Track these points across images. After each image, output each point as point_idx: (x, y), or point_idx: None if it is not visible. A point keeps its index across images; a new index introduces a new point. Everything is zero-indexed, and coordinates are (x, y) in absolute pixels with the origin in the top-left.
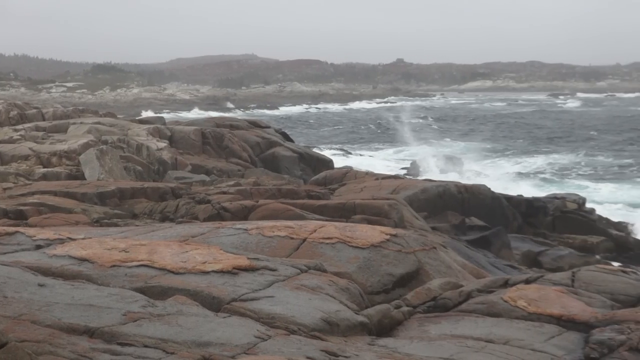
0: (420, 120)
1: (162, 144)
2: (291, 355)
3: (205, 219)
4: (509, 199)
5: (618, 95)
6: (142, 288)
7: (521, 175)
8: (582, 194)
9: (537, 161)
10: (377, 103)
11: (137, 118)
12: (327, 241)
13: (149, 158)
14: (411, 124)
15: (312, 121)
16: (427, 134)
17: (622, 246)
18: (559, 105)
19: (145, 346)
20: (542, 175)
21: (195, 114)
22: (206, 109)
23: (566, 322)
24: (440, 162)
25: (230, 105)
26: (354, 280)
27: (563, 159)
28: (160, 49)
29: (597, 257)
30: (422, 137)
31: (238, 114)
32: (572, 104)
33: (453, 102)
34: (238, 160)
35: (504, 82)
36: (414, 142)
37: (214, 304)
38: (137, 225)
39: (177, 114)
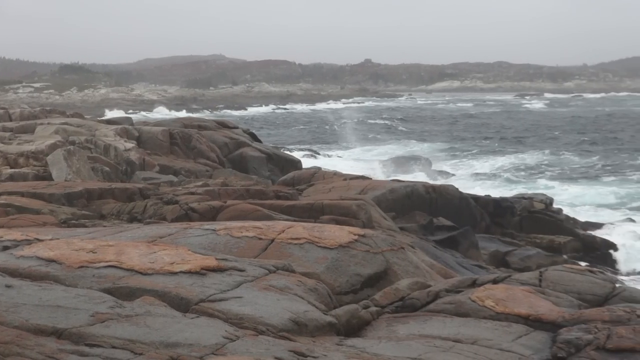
0: (387, 122)
1: (130, 145)
2: (259, 356)
3: (173, 219)
4: (476, 199)
5: (585, 95)
6: (110, 289)
7: (488, 175)
8: (549, 194)
9: (504, 161)
10: (344, 103)
11: (100, 118)
12: (296, 242)
13: (117, 159)
14: (377, 125)
15: (280, 122)
16: (393, 135)
17: (589, 246)
18: (524, 105)
19: (113, 347)
20: (509, 175)
21: (163, 114)
22: (175, 110)
23: (534, 322)
24: (388, 166)
25: (194, 106)
26: (322, 281)
27: (529, 159)
28: (128, 50)
29: (565, 256)
30: (388, 139)
31: (206, 115)
32: (537, 104)
33: (420, 102)
34: (206, 161)
35: (471, 83)
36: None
37: (182, 305)
38: (104, 226)
39: (144, 114)
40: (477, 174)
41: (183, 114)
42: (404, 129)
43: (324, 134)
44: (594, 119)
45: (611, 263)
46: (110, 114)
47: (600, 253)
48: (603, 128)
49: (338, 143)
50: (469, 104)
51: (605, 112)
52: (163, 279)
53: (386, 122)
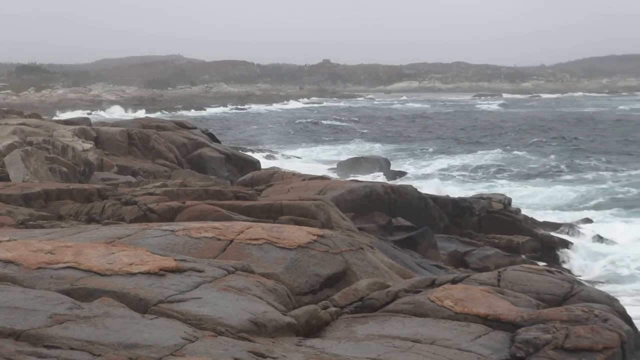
0: (344, 124)
1: (88, 145)
2: (218, 357)
3: (132, 220)
4: (435, 199)
5: (542, 96)
6: (68, 290)
7: (446, 175)
8: (507, 193)
9: (460, 161)
10: (305, 104)
11: (54, 118)
12: (254, 242)
13: (75, 159)
14: (333, 125)
15: (238, 122)
16: (349, 135)
17: (547, 246)
18: (479, 106)
19: (72, 348)
20: (466, 175)
21: (120, 114)
22: (132, 110)
23: (492, 322)
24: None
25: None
26: (282, 281)
27: (485, 159)
28: (85, 50)
29: (523, 256)
30: (344, 139)
31: (165, 115)
32: (492, 105)
33: (376, 102)
34: (164, 161)
35: (430, 83)
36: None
37: (141, 306)
38: (63, 227)
39: (102, 114)
40: (434, 174)
41: (141, 114)
42: (360, 129)
43: (282, 135)
44: (548, 120)
45: (569, 263)
46: (63, 115)
47: (558, 253)
48: (558, 128)
49: (296, 144)
50: (426, 105)
51: (560, 113)
52: (121, 280)
53: (343, 123)
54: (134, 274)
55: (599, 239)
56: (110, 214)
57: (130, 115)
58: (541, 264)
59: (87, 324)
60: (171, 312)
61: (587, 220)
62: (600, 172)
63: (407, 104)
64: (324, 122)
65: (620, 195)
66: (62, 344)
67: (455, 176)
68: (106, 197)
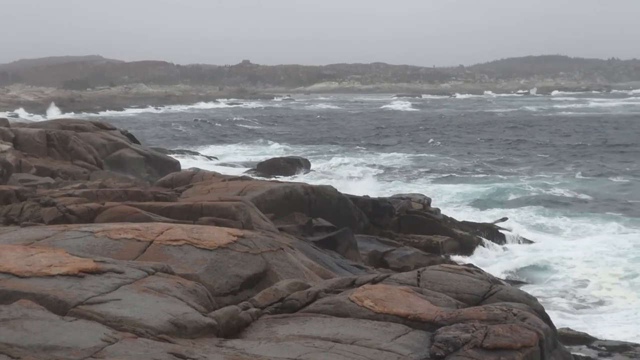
0: (261, 126)
1: (6, 146)
2: (138, 358)
3: (51, 221)
4: (355, 199)
5: (458, 96)
6: None
7: (366, 175)
8: (426, 193)
9: (376, 161)
10: (225, 104)
11: None
12: (174, 243)
13: None
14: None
15: (159, 122)
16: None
17: (467, 245)
18: (385, 106)
19: None
20: (385, 175)
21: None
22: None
23: (412, 321)
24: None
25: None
26: (202, 282)
27: (400, 159)
28: (2, 50)
29: (442, 256)
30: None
31: (83, 116)
32: (404, 105)
33: (292, 103)
34: (84, 162)
35: (349, 84)
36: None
37: (60, 308)
38: None
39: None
40: (354, 173)
41: (59, 115)
42: (275, 130)
43: (202, 136)
44: (460, 119)
45: (487, 262)
46: None
47: (476, 252)
48: (470, 128)
49: (214, 145)
50: (338, 106)
51: (472, 113)
52: (40, 282)
53: (259, 125)
54: (53, 276)
55: (518, 238)
56: (28, 215)
57: (50, 116)
58: (461, 263)
59: (6, 327)
60: (91, 313)
61: (504, 220)
62: (500, 173)
63: (318, 105)
64: (241, 124)
65: (533, 194)
66: None
67: (373, 176)
68: (25, 199)
